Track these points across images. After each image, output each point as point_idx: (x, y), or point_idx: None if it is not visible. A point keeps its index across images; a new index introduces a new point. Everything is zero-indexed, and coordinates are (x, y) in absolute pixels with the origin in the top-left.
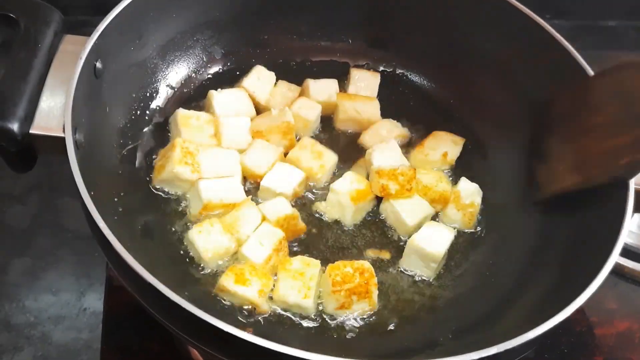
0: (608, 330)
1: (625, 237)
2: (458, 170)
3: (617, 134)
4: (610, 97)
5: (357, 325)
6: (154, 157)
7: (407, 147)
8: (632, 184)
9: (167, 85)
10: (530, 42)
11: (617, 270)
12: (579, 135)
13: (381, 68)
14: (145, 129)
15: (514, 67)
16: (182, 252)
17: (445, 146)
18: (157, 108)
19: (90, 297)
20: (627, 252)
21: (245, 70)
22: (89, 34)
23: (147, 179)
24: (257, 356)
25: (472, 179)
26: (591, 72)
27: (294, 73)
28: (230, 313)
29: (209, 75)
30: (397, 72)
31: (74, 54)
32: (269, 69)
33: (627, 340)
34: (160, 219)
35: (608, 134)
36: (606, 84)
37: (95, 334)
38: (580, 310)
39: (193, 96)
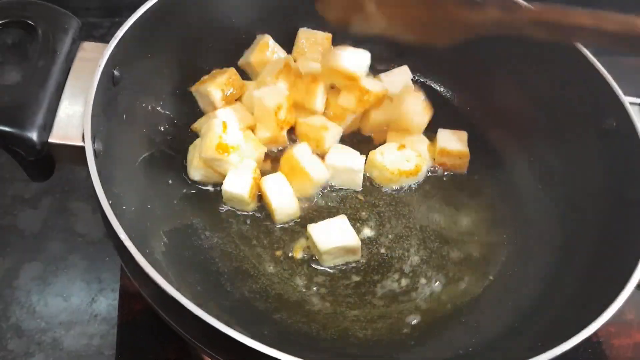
0: (625, 341)
1: None
2: (472, 178)
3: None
4: None
5: None
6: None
7: None
8: None
9: (180, 93)
10: (551, 51)
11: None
12: None
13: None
14: (161, 138)
15: (534, 75)
16: (203, 257)
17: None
18: (173, 116)
19: (102, 302)
20: None
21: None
22: (99, 36)
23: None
24: None
25: (490, 189)
26: (610, 79)
27: None
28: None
29: None
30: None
31: (92, 62)
32: None
33: None
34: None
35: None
36: None
37: (107, 340)
38: None
39: None
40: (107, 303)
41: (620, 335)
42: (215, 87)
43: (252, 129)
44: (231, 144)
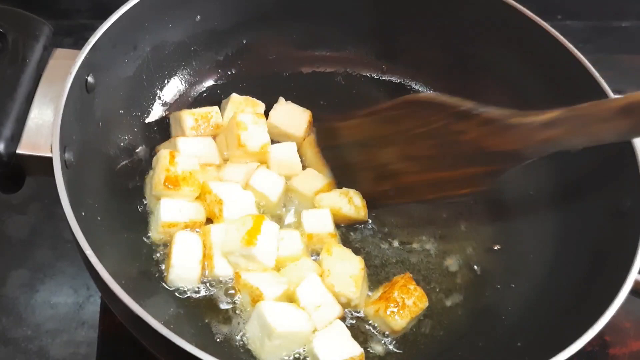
0: (621, 350)
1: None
2: None
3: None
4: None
5: None
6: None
7: None
8: None
9: (162, 99)
10: (539, 51)
11: (633, 288)
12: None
13: (385, 78)
14: (140, 146)
15: (521, 76)
16: None
17: None
18: (153, 122)
19: (89, 310)
20: None
21: (241, 84)
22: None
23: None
24: None
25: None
26: (598, 76)
27: (299, 84)
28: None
29: (204, 91)
30: (401, 82)
31: (64, 69)
32: (269, 81)
33: None
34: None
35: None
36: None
37: (94, 349)
38: None
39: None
40: (94, 310)
41: (616, 345)
42: (190, 114)
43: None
44: (182, 174)
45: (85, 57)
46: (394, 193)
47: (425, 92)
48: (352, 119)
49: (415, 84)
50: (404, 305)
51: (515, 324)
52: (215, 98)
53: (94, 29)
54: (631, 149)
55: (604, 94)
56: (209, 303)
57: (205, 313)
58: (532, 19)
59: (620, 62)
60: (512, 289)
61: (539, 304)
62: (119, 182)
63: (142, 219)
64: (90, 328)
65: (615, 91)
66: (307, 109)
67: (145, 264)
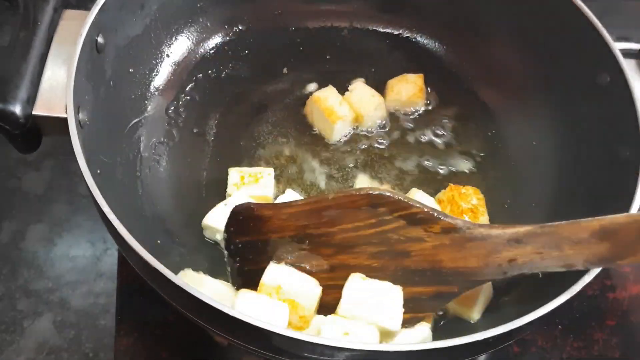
0: (621, 294)
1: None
2: (463, 136)
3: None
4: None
5: None
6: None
7: None
8: None
9: (170, 57)
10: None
11: None
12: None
13: (389, 30)
14: (150, 104)
15: (528, 30)
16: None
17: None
18: (162, 81)
19: (106, 262)
20: None
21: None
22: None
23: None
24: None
25: (480, 149)
26: (601, 27)
27: (306, 39)
28: None
29: (211, 49)
30: (407, 36)
31: (75, 30)
32: (276, 36)
33: None
34: None
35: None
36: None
37: (113, 299)
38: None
39: (196, 68)
40: (111, 262)
41: (616, 288)
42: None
43: None
44: None
45: (95, 18)
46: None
47: (379, 188)
48: (285, 208)
49: (421, 37)
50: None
51: None
52: (223, 56)
53: None
54: (631, 100)
55: (606, 46)
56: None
57: None
58: None
59: (630, 8)
60: None
61: None
62: (131, 140)
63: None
64: (108, 279)
65: (620, 38)
66: (314, 64)
67: None
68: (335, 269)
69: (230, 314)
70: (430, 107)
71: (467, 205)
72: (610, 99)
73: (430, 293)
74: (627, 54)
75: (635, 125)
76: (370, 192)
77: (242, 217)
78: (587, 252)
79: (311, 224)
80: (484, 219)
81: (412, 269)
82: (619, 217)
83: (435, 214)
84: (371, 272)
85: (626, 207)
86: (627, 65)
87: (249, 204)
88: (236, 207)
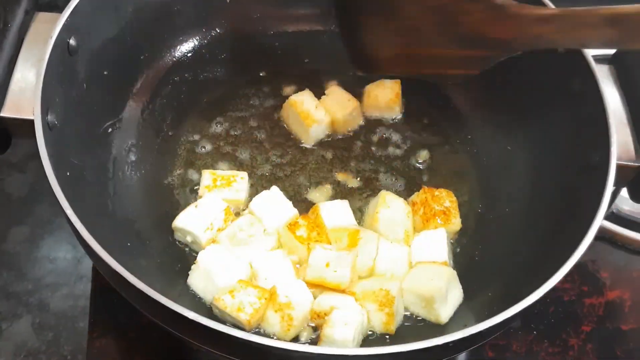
0: (597, 300)
1: (602, 217)
2: (438, 141)
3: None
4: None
5: None
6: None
7: None
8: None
9: (146, 59)
10: None
11: (609, 238)
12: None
13: None
14: (125, 106)
15: None
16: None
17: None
18: (137, 84)
19: (87, 264)
20: (619, 219)
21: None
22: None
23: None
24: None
25: (454, 153)
26: None
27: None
28: None
29: (188, 51)
30: None
31: (46, 32)
32: (254, 40)
33: (617, 309)
34: None
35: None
36: None
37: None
38: (570, 280)
39: (173, 71)
40: (92, 265)
41: (593, 294)
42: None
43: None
44: None
45: (66, 21)
46: (393, 62)
47: None
48: None
49: None
50: (446, 209)
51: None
52: (200, 58)
53: None
54: (602, 107)
55: (579, 53)
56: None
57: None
58: None
59: None
60: (488, 239)
61: (513, 253)
62: (105, 142)
63: None
64: (88, 282)
65: None
66: (292, 67)
67: None
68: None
69: (190, 317)
70: (405, 113)
71: (439, 207)
72: (583, 104)
73: (477, 56)
74: (601, 59)
75: (605, 131)
76: None
77: None
78: (599, 33)
79: None
80: (457, 221)
81: (463, 35)
82: (627, 7)
83: None
84: (433, 35)
85: (594, 211)
86: (600, 70)
87: None
88: None
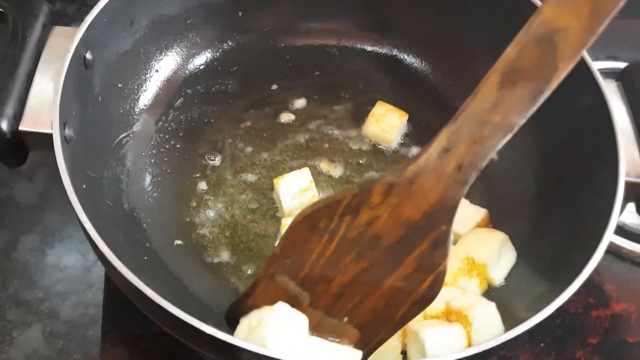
0: (604, 312)
1: (611, 234)
2: None
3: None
4: None
5: None
6: (144, 155)
7: None
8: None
9: (159, 72)
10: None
11: (615, 251)
12: None
13: (378, 50)
14: (138, 119)
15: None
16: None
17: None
18: (151, 96)
19: (96, 272)
20: (625, 232)
21: (238, 56)
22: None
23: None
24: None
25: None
26: (587, 56)
27: (295, 56)
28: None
29: (201, 64)
30: (394, 55)
31: (63, 47)
32: (265, 53)
33: (623, 322)
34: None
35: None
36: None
37: (101, 310)
38: (576, 292)
39: (185, 84)
40: (101, 273)
41: (599, 307)
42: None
43: None
44: None
45: (83, 35)
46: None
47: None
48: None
49: (408, 56)
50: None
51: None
52: (212, 71)
53: (92, 5)
54: (610, 123)
55: (587, 68)
56: None
57: None
58: None
59: (619, 27)
60: None
61: (519, 268)
62: (119, 155)
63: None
64: (97, 290)
65: (608, 57)
66: (302, 80)
67: None
68: (340, 296)
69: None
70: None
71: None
72: (590, 120)
73: (425, 249)
74: (610, 72)
75: (614, 147)
76: (299, 218)
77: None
78: (510, 105)
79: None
80: None
81: (394, 242)
82: (507, 51)
83: (361, 188)
84: (365, 275)
85: (603, 228)
86: (608, 87)
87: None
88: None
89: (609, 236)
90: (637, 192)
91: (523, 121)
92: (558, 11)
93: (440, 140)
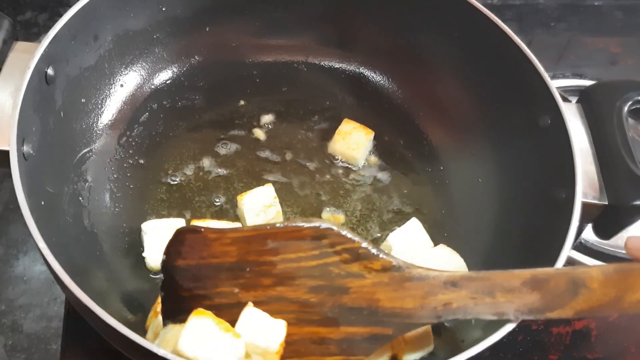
0: (564, 329)
1: (567, 253)
2: (412, 174)
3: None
4: None
5: None
6: (105, 171)
7: None
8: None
9: (124, 87)
10: (488, 44)
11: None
12: None
13: (343, 66)
14: (101, 134)
15: (474, 72)
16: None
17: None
18: (115, 111)
19: None
20: (586, 249)
21: (205, 71)
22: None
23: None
24: None
25: (424, 184)
26: (543, 70)
27: (262, 72)
28: None
29: (167, 79)
30: (360, 72)
31: (24, 62)
32: (232, 68)
33: (584, 338)
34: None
35: None
36: None
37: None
38: None
39: (151, 98)
40: None
41: (560, 324)
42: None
43: None
44: None
45: (45, 50)
46: None
47: (325, 221)
48: (230, 233)
49: (375, 74)
50: None
51: None
52: (179, 86)
53: (55, 20)
54: (569, 144)
55: (547, 89)
56: None
57: None
58: (484, 13)
59: (588, 45)
60: None
61: None
62: (80, 171)
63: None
64: (61, 303)
65: (575, 75)
66: (270, 96)
67: None
68: (272, 301)
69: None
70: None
71: None
72: (549, 141)
73: (365, 334)
74: (576, 90)
75: (572, 169)
76: (318, 225)
77: (185, 238)
78: (518, 301)
79: (254, 251)
80: None
81: (349, 306)
82: (550, 269)
83: (376, 251)
84: (307, 308)
85: (559, 248)
86: (567, 108)
87: (194, 226)
88: (180, 228)
89: (564, 258)
90: (594, 213)
91: (512, 319)
92: (601, 282)
93: (456, 275)
